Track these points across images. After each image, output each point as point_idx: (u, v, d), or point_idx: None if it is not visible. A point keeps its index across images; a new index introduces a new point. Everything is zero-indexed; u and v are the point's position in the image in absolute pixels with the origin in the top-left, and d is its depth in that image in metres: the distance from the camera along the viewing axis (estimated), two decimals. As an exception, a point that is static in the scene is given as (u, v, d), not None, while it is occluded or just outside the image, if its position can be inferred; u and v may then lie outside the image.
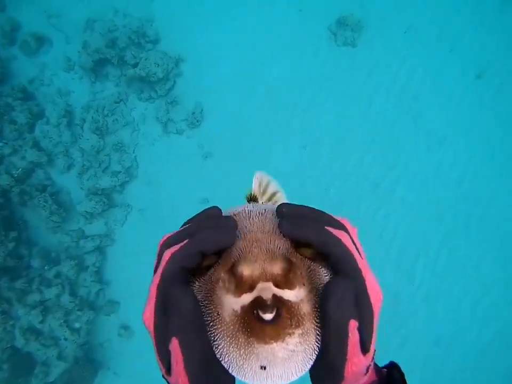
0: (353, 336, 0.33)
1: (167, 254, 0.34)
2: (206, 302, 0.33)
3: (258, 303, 0.31)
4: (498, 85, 3.01)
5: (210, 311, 0.33)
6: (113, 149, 2.84)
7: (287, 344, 0.32)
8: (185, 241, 0.33)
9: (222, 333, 0.32)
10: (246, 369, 0.32)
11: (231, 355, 0.32)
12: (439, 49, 2.98)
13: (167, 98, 2.87)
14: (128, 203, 2.91)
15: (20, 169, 2.54)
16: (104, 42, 2.62)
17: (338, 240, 0.34)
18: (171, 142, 2.93)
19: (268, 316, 0.31)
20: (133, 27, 2.70)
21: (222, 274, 0.34)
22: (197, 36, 2.91)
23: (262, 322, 0.31)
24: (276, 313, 0.31)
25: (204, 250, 0.33)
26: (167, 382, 0.36)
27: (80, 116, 2.75)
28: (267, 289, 0.31)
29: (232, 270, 0.33)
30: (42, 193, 2.61)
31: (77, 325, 2.63)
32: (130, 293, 2.81)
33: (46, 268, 2.64)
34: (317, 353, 0.33)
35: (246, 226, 0.38)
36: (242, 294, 0.32)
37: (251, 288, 0.32)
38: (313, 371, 0.35)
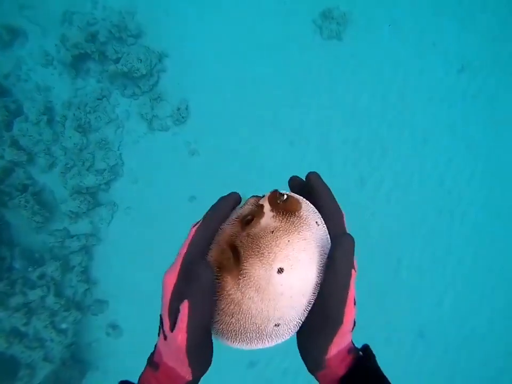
0: (353, 284, 0.37)
1: (192, 230, 0.40)
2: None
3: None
4: (481, 79, 3.02)
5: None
6: (97, 147, 2.75)
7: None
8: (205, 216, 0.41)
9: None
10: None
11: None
12: (423, 43, 2.97)
13: (151, 95, 2.78)
14: (114, 201, 2.83)
15: (-2, 169, 2.44)
16: (83, 36, 2.50)
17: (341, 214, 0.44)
18: (156, 139, 2.85)
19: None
20: (114, 20, 2.58)
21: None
22: (180, 30, 2.81)
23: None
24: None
25: (220, 216, 0.40)
26: (164, 337, 0.39)
27: (61, 113, 2.64)
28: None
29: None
30: (23, 193, 2.51)
31: (63, 326, 2.56)
32: (118, 292, 2.75)
33: (29, 269, 2.55)
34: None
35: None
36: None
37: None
38: (309, 321, 0.38)
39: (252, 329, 0.37)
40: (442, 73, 2.98)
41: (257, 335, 0.38)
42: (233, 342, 0.39)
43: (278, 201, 0.40)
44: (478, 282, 2.94)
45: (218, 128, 2.85)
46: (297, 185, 0.45)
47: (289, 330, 0.39)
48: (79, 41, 2.49)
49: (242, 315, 0.37)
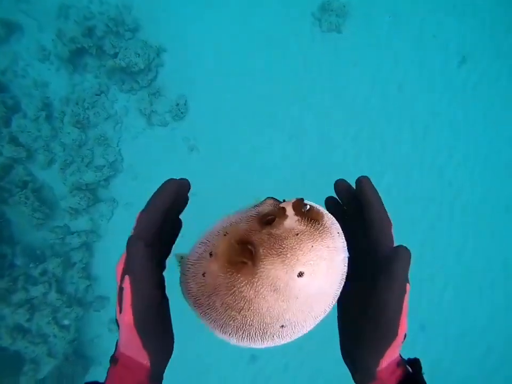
0: (407, 297, 0.38)
1: (137, 216, 0.41)
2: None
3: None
4: (482, 71, 3.02)
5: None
6: (96, 143, 2.75)
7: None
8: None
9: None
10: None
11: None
12: (423, 35, 2.97)
13: (149, 90, 2.78)
14: (114, 198, 2.85)
15: (-3, 166, 2.45)
16: (80, 30, 2.49)
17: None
18: (155, 135, 2.86)
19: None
20: (111, 14, 2.57)
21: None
22: (178, 24, 2.80)
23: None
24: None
25: (162, 200, 0.41)
26: (118, 326, 0.39)
27: (59, 108, 2.65)
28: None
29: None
30: (23, 190, 2.52)
31: (66, 322, 2.59)
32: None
33: (31, 265, 2.58)
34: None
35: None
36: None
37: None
38: (361, 332, 0.38)
39: (256, 327, 0.37)
40: (443, 65, 2.98)
41: (261, 333, 0.37)
42: (233, 337, 0.38)
43: (302, 210, 0.40)
44: (478, 275, 2.97)
45: (217, 124, 2.85)
46: (344, 189, 0.45)
47: (292, 334, 0.38)
48: (76, 36, 2.48)
49: (251, 313, 0.36)
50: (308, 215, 0.40)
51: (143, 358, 0.38)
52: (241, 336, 0.38)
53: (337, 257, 0.38)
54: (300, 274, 0.36)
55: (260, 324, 0.37)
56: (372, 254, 0.42)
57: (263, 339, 0.37)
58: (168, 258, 0.45)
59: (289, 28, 2.85)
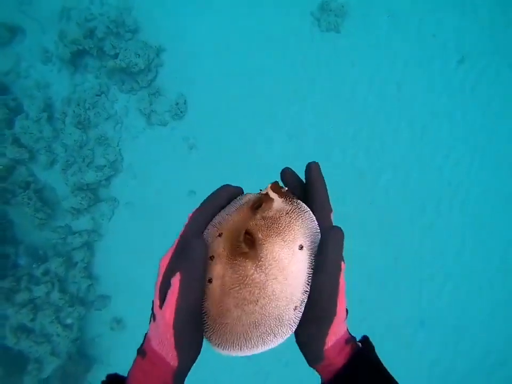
0: (343, 275, 0.40)
1: (189, 215, 0.42)
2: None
3: None
4: (480, 70, 3.11)
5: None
6: (96, 143, 2.86)
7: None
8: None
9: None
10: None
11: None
12: (422, 33, 3.07)
13: (149, 90, 2.88)
14: (115, 197, 2.95)
15: (1, 167, 2.55)
16: (81, 32, 2.60)
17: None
18: (155, 134, 2.96)
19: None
20: (111, 16, 2.68)
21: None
22: (177, 25, 2.91)
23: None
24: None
25: (217, 201, 0.43)
26: (153, 319, 0.40)
27: (60, 109, 2.75)
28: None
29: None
30: (26, 191, 2.63)
31: (68, 321, 2.70)
32: (121, 287, 2.89)
33: (33, 265, 2.68)
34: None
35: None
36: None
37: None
38: (304, 314, 0.39)
39: (274, 315, 0.38)
40: (442, 65, 3.07)
41: (279, 321, 0.38)
42: (253, 338, 0.38)
43: (282, 190, 0.44)
44: (477, 272, 3.06)
45: (216, 122, 2.95)
46: (290, 176, 0.47)
47: (300, 314, 0.39)
48: (77, 38, 2.59)
49: (267, 299, 0.37)
50: (287, 195, 0.43)
51: (171, 358, 0.39)
52: (262, 333, 0.37)
53: (315, 228, 0.42)
54: (301, 247, 0.39)
55: (277, 310, 0.37)
56: None
57: (281, 328, 0.38)
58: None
59: (288, 28, 2.96)
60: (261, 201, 0.42)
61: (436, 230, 3.05)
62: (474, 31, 3.10)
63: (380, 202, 3.01)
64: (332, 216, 0.44)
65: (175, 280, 0.36)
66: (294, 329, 0.39)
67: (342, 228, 0.40)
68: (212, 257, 0.40)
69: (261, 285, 0.37)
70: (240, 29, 2.96)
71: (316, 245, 0.40)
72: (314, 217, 0.42)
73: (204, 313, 0.39)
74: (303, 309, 0.39)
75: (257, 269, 0.38)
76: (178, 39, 2.91)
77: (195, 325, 0.39)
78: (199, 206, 0.43)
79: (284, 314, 0.38)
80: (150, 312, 0.41)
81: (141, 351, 0.41)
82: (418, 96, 3.04)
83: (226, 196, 0.44)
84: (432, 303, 3.05)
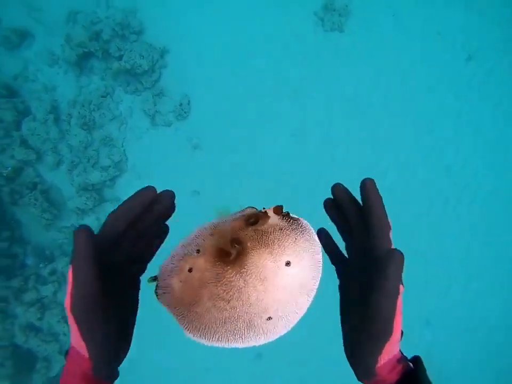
0: (401, 296, 0.43)
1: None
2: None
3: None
4: (489, 67, 3.11)
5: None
6: (101, 144, 2.93)
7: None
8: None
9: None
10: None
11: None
12: (427, 31, 3.09)
13: (153, 91, 2.95)
14: (119, 197, 3.02)
15: (9, 168, 2.64)
16: (87, 35, 2.68)
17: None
18: (159, 135, 3.02)
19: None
20: (117, 18, 2.76)
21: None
22: (181, 26, 2.97)
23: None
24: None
25: (132, 205, 0.46)
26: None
27: (66, 111, 2.84)
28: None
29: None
30: (32, 191, 2.72)
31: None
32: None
33: (41, 265, 2.77)
34: None
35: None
36: None
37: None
38: (359, 332, 0.42)
39: (244, 318, 0.39)
40: (448, 63, 3.09)
41: (248, 325, 0.39)
42: (218, 333, 0.39)
43: (282, 212, 0.45)
44: (486, 271, 3.07)
45: (220, 123, 3.01)
46: (343, 192, 0.50)
47: (276, 329, 0.40)
48: (83, 40, 2.66)
49: (240, 302, 0.39)
50: (287, 216, 0.45)
51: (83, 350, 0.40)
52: (227, 330, 0.39)
53: (317, 255, 0.43)
54: (288, 263, 0.40)
55: (248, 316, 0.39)
56: (369, 255, 0.45)
57: (248, 332, 0.39)
58: (150, 261, 0.49)
59: (292, 28, 3.01)
60: (258, 218, 0.44)
61: (442, 230, 3.07)
62: (482, 29, 3.10)
63: (384, 203, 3.03)
64: (391, 234, 0.45)
65: (69, 272, 0.40)
66: (267, 338, 0.40)
67: (402, 252, 0.42)
68: (198, 251, 0.43)
69: (237, 288, 0.39)
70: (243, 30, 3.01)
71: (311, 265, 0.42)
72: (315, 239, 0.44)
73: (179, 299, 0.42)
74: (278, 322, 0.40)
75: (238, 274, 0.39)
76: (182, 40, 2.98)
77: (101, 315, 0.40)
78: (114, 211, 0.46)
79: (254, 320, 0.39)
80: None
81: (66, 352, 0.43)
82: (424, 95, 3.07)
83: (142, 199, 0.47)
84: (438, 304, 3.07)
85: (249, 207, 0.48)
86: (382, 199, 0.47)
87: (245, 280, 0.39)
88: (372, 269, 0.44)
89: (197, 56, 3.00)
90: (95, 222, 2.96)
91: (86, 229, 0.41)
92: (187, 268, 0.42)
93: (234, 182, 2.95)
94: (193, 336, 0.41)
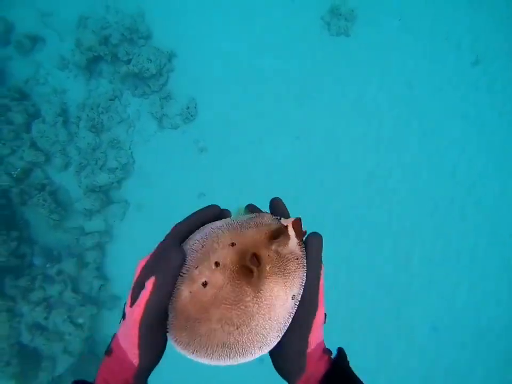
0: (323, 275, 0.44)
1: (172, 227, 0.46)
2: None
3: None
4: (495, 68, 3.12)
5: None
6: (109, 146, 3.00)
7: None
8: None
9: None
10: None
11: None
12: (434, 37, 3.12)
13: (161, 94, 3.02)
14: (126, 199, 3.07)
15: (19, 169, 2.71)
16: (97, 39, 2.76)
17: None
18: (166, 137, 3.08)
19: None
20: (126, 23, 2.83)
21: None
22: (188, 30, 3.04)
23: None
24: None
25: (198, 219, 0.46)
26: (123, 317, 0.43)
27: (75, 114, 2.91)
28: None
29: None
30: (41, 192, 2.78)
31: (80, 320, 2.83)
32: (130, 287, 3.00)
33: (48, 265, 2.83)
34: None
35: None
36: None
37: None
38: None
39: (244, 345, 0.39)
40: (455, 67, 3.10)
41: (243, 352, 0.39)
42: (211, 353, 0.39)
43: (301, 229, 0.44)
44: (492, 274, 3.04)
45: (226, 125, 3.06)
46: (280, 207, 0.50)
47: (264, 351, 0.41)
48: (93, 45, 2.74)
49: (248, 329, 0.39)
50: (302, 239, 0.44)
51: (133, 357, 0.41)
52: (222, 353, 0.39)
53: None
54: (293, 297, 0.41)
55: (249, 342, 0.39)
56: None
57: (239, 358, 0.39)
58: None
59: (298, 32, 3.05)
60: (279, 233, 0.43)
61: (448, 232, 3.06)
62: (490, 31, 3.11)
63: (389, 204, 3.05)
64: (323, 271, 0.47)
65: (149, 283, 0.40)
66: (248, 359, 0.40)
67: (320, 234, 0.44)
68: (217, 263, 0.40)
69: (250, 314, 0.39)
70: (250, 34, 3.07)
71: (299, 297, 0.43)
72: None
73: (180, 310, 0.41)
74: (266, 351, 0.41)
75: (254, 299, 0.39)
76: (189, 44, 3.04)
77: (159, 328, 0.41)
78: (183, 220, 0.46)
79: (251, 348, 0.39)
80: (122, 314, 0.44)
81: (108, 350, 0.44)
82: (430, 96, 3.08)
83: (211, 214, 0.47)
84: (445, 307, 3.06)
85: (265, 212, 0.47)
86: (287, 211, 0.49)
87: (258, 307, 0.39)
88: None
89: (203, 60, 3.06)
90: (102, 223, 3.02)
91: (179, 247, 0.41)
92: (202, 280, 0.40)
93: (240, 184, 2.99)
94: (180, 346, 0.40)
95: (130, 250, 3.04)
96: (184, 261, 0.41)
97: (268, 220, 0.45)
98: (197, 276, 0.40)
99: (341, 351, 0.47)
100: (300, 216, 0.45)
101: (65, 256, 2.90)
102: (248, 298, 0.39)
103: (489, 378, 3.05)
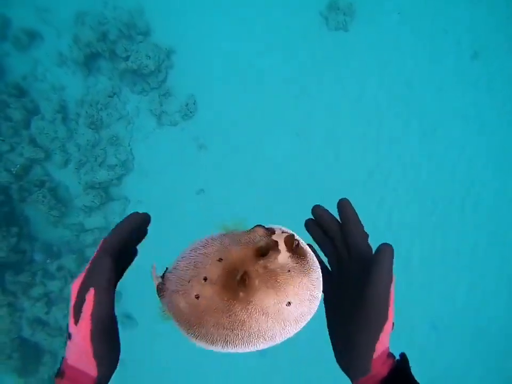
0: (393, 285, 0.45)
1: (101, 241, 0.46)
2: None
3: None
4: (494, 66, 3.11)
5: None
6: (108, 143, 3.01)
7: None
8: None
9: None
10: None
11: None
12: (433, 30, 3.10)
13: (160, 91, 3.02)
14: (126, 196, 3.09)
15: (18, 166, 2.73)
16: (95, 36, 2.76)
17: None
18: (166, 134, 3.09)
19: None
20: (123, 19, 2.83)
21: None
22: (187, 27, 3.03)
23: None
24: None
25: (125, 230, 0.47)
26: (69, 337, 0.43)
27: (74, 110, 2.92)
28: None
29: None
30: (41, 189, 2.80)
31: (81, 316, 2.86)
32: (130, 284, 3.02)
33: (48, 261, 2.86)
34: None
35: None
36: None
37: None
38: (354, 324, 0.44)
39: (242, 340, 0.43)
40: (454, 61, 3.09)
41: (244, 345, 0.43)
42: (218, 347, 0.43)
43: (293, 246, 0.47)
44: (492, 272, 3.05)
45: (225, 122, 3.06)
46: (322, 212, 0.54)
47: (268, 345, 0.45)
48: (91, 41, 2.74)
49: (243, 332, 0.43)
50: (297, 251, 0.47)
51: (90, 369, 0.42)
52: (226, 346, 0.43)
53: (317, 290, 0.46)
54: (288, 304, 0.44)
55: (246, 339, 0.43)
56: (354, 263, 0.49)
57: (243, 347, 0.43)
58: (119, 281, 0.50)
59: (297, 27, 3.04)
60: (268, 248, 0.46)
61: (448, 230, 3.06)
62: (489, 26, 3.09)
63: (389, 202, 3.05)
64: (368, 240, 0.50)
65: (89, 295, 0.41)
66: (251, 350, 0.44)
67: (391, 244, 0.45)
68: (205, 278, 0.44)
69: (241, 321, 0.43)
70: (248, 30, 3.06)
71: (309, 300, 0.46)
72: (319, 278, 0.47)
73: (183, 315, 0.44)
74: (267, 346, 0.44)
75: (243, 309, 0.43)
76: (188, 41, 3.04)
77: (109, 335, 0.43)
78: (112, 231, 0.47)
79: (250, 341, 0.43)
80: (66, 336, 0.44)
81: (59, 373, 0.43)
82: (430, 94, 3.07)
83: (139, 221, 0.49)
84: (444, 305, 3.07)
85: (258, 225, 0.48)
86: (356, 213, 0.51)
87: (249, 314, 0.43)
88: (359, 272, 0.47)
89: (202, 57, 3.06)
90: (102, 220, 3.04)
91: (111, 254, 0.43)
92: (194, 294, 0.44)
93: (239, 180, 3.00)
94: (191, 337, 0.44)
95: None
96: (113, 263, 0.43)
97: (259, 236, 0.47)
98: (189, 289, 0.44)
99: (403, 355, 0.48)
100: (294, 234, 0.48)
101: (65, 252, 2.93)
102: (238, 309, 0.43)
103: (488, 376, 3.06)
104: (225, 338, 0.43)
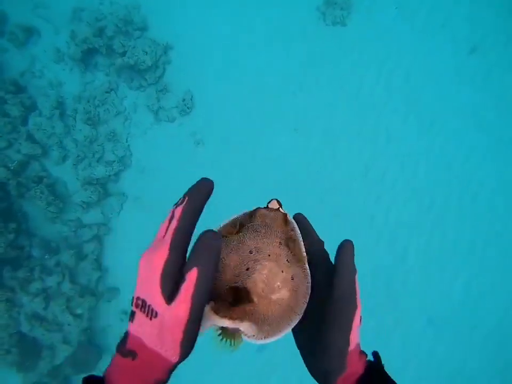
0: (357, 279, 0.45)
1: (175, 210, 0.41)
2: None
3: None
4: (492, 60, 3.11)
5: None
6: (106, 139, 3.02)
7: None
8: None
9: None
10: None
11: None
12: (431, 25, 3.10)
13: (157, 86, 3.03)
14: (123, 192, 3.11)
15: (16, 162, 2.75)
16: (92, 31, 2.77)
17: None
18: (163, 130, 3.10)
19: None
20: (120, 15, 2.84)
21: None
22: (184, 22, 3.04)
23: None
24: None
25: (203, 196, 0.43)
26: (149, 318, 0.38)
27: (72, 106, 2.93)
28: None
29: None
30: (38, 185, 2.82)
31: (79, 311, 2.88)
32: (129, 279, 3.04)
33: (46, 257, 2.88)
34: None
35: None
36: None
37: None
38: (325, 318, 0.43)
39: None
40: (452, 56, 3.09)
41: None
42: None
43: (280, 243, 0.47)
44: (489, 268, 3.05)
45: (223, 118, 3.07)
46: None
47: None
48: (87, 37, 2.75)
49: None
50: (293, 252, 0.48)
51: (172, 354, 0.39)
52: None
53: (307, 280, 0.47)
54: (292, 278, 0.45)
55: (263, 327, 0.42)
56: (316, 269, 0.49)
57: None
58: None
59: (294, 22, 3.05)
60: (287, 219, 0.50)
61: (445, 226, 3.07)
62: (487, 20, 3.09)
63: (386, 198, 3.06)
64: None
65: (192, 275, 0.37)
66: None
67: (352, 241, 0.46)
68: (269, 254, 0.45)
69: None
70: (246, 25, 3.07)
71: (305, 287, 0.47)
72: (307, 269, 0.48)
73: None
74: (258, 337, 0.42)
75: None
76: (185, 36, 3.04)
77: (200, 319, 0.40)
78: (187, 201, 0.41)
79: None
80: (130, 311, 0.40)
81: (126, 352, 0.39)
82: (427, 89, 3.07)
83: (207, 190, 0.43)
84: (441, 301, 3.08)
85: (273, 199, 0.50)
86: (310, 224, 0.53)
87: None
88: (323, 276, 0.47)
89: (200, 52, 3.07)
90: (100, 215, 3.06)
91: (220, 237, 0.39)
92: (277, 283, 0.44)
93: (237, 176, 3.01)
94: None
95: (128, 242, 3.08)
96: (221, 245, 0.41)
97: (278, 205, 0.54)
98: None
99: (376, 354, 0.47)
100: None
101: (64, 248, 2.95)
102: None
103: (484, 370, 3.07)
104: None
